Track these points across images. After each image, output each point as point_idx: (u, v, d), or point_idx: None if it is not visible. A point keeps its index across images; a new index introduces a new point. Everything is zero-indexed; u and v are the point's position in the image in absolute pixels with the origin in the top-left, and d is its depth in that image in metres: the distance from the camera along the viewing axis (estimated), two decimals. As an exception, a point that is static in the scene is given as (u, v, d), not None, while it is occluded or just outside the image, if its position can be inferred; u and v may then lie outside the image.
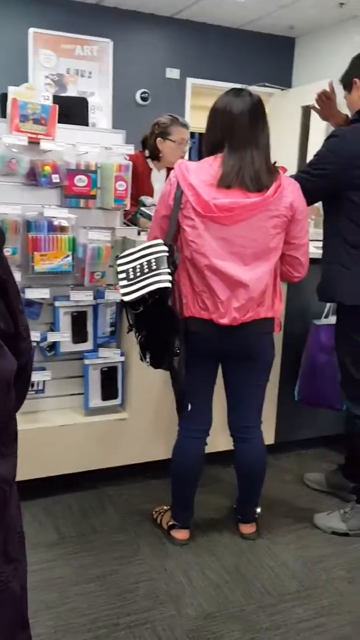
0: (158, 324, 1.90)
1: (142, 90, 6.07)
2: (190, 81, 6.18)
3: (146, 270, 1.85)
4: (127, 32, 5.97)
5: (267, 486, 2.73)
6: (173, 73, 6.12)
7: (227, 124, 1.90)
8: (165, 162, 3.24)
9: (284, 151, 6.19)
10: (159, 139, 3.17)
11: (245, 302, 1.94)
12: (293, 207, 1.95)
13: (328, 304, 2.60)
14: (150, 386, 2.58)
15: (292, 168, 6.08)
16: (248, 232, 1.89)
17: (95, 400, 2.55)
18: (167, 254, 1.88)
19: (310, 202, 2.15)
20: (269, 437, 2.95)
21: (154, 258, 1.87)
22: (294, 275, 2.11)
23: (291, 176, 2.17)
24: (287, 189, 1.93)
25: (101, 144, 2.40)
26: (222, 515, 2.47)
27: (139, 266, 1.88)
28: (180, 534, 2.28)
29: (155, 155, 3.24)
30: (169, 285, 1.82)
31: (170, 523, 2.30)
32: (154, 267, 1.85)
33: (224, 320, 1.95)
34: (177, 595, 2.01)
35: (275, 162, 1.95)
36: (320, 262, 2.35)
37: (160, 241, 1.92)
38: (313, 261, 2.80)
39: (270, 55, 6.39)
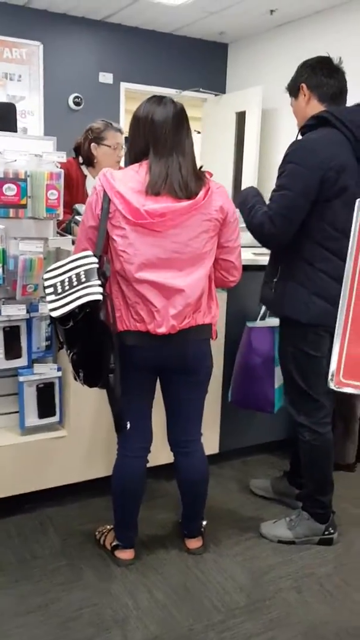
0: (90, 340, 1.82)
1: (75, 94, 5.96)
2: (123, 86, 6.12)
3: (75, 284, 1.77)
4: (58, 35, 5.85)
5: (213, 496, 2.70)
6: (106, 77, 6.05)
7: (152, 132, 1.85)
8: (100, 168, 3.15)
9: (220, 156, 6.22)
10: (93, 144, 3.09)
11: (182, 309, 1.90)
12: (223, 209, 1.92)
13: (264, 307, 2.58)
14: (89, 402, 2.49)
15: (228, 173, 6.16)
16: (181, 237, 1.85)
17: (32, 419, 2.44)
18: (96, 265, 1.81)
19: (297, 221, 2.08)
20: (212, 446, 2.92)
21: (84, 270, 1.79)
22: (229, 279, 2.08)
23: (271, 199, 2.11)
24: (216, 192, 1.91)
25: (31, 152, 2.30)
26: (167, 531, 2.41)
27: (67, 279, 1.80)
28: (125, 554, 2.21)
29: (90, 162, 3.16)
30: (99, 297, 1.75)
31: (114, 544, 2.22)
32: (84, 279, 1.77)
33: (162, 330, 1.90)
34: (123, 619, 1.93)
35: (201, 167, 1.92)
36: (270, 276, 2.29)
37: (89, 253, 1.85)
38: (252, 267, 2.83)
39: (203, 60, 6.40)
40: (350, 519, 2.56)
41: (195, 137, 7.44)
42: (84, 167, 3.20)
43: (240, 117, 5.96)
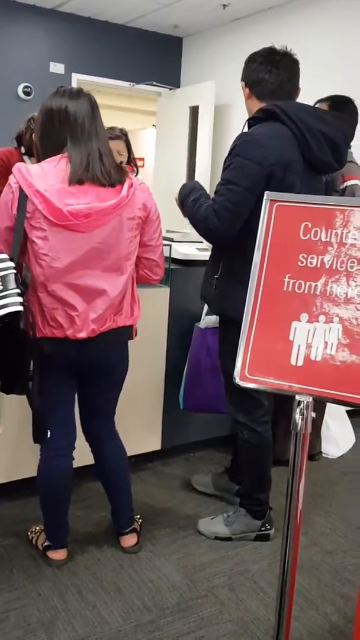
0: (8, 349, 1.73)
1: (25, 84, 5.82)
2: (75, 77, 6.01)
3: None
4: (7, 23, 5.70)
5: (154, 494, 2.69)
6: (57, 68, 5.93)
7: (68, 123, 1.78)
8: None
9: (174, 150, 6.18)
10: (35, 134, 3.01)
11: (103, 312, 1.85)
12: (146, 207, 1.89)
13: (205, 308, 2.56)
14: (19, 401, 2.42)
15: (182, 167, 6.13)
16: (106, 237, 1.80)
17: (-36, 417, 2.36)
18: (14, 271, 1.69)
19: (242, 216, 2.01)
20: (155, 443, 2.90)
21: (0, 277, 1.67)
22: (152, 278, 2.06)
23: (217, 192, 2.04)
24: (138, 189, 1.87)
25: None
26: (102, 529, 2.37)
27: None
28: (57, 555, 2.16)
29: (32, 152, 3.07)
30: (19, 309, 1.65)
31: (45, 544, 2.17)
32: (0, 287, 1.66)
33: (82, 334, 1.84)
34: (50, 621, 1.89)
35: (121, 162, 1.90)
36: (211, 272, 2.24)
37: (4, 256, 1.71)
38: (197, 263, 2.80)
39: (157, 54, 6.34)
40: (287, 514, 2.57)
41: (151, 130, 7.38)
42: (26, 158, 3.11)
43: (194, 112, 5.93)
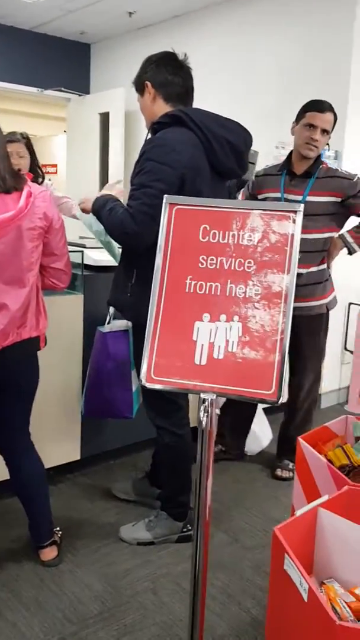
0: None
1: None
2: (-19, 82, 5.84)
3: None
4: None
5: (74, 505, 2.64)
6: None
7: None
8: None
9: (86, 157, 6.13)
10: None
11: (5, 327, 1.80)
12: (47, 216, 1.85)
13: (111, 311, 2.53)
14: None
15: (95, 174, 6.09)
16: (3, 249, 1.75)
17: None
18: None
19: (159, 219, 1.99)
20: (74, 453, 2.85)
21: None
22: (59, 286, 2.03)
23: (131, 197, 2.00)
24: (39, 197, 1.82)
25: None
26: (20, 545, 2.31)
27: None
28: None
29: None
30: None
31: None
32: None
33: None
34: (-33, 645, 1.82)
35: (19, 170, 1.86)
36: (125, 279, 2.20)
37: None
38: (106, 269, 2.79)
39: (66, 60, 6.27)
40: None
41: (63, 137, 7.28)
42: None
43: (105, 118, 5.90)
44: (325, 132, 2.68)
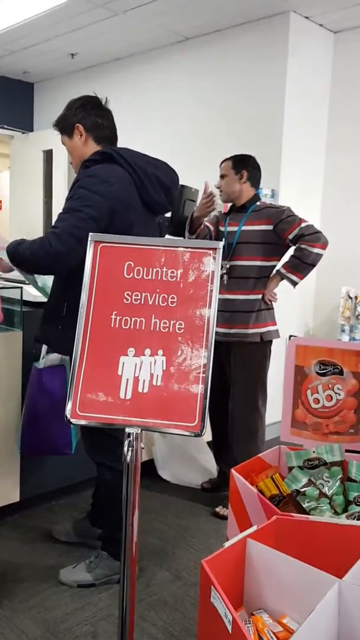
0: None
1: None
2: None
3: None
4: None
5: (13, 548, 2.57)
6: None
7: None
8: None
9: (30, 193, 6.14)
10: None
11: None
12: None
13: (45, 348, 2.51)
14: None
15: (39, 210, 6.09)
16: None
17: None
18: None
19: (85, 244, 1.94)
20: (12, 495, 2.78)
21: None
22: None
23: (59, 219, 2.01)
24: None
25: None
26: None
27: None
28: None
29: None
30: None
31: None
32: None
33: None
34: None
35: None
36: (56, 312, 2.20)
37: None
38: (37, 305, 2.77)
39: (9, 97, 6.32)
40: (151, 550, 2.57)
41: (6, 174, 7.28)
42: None
43: (48, 156, 5.95)
44: (223, 176, 3.00)
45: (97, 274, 1.36)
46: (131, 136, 3.85)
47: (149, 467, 3.29)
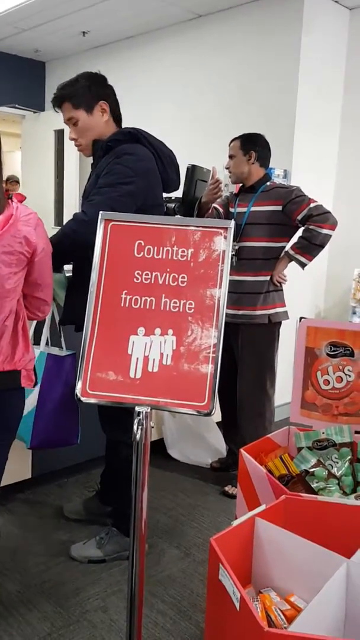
0: None
1: None
2: None
3: None
4: None
5: (25, 524, 2.61)
6: None
7: None
8: None
9: (41, 173, 6.13)
10: None
11: None
12: (30, 242, 1.63)
13: (45, 336, 2.49)
14: None
15: (50, 190, 6.08)
16: None
17: None
18: None
19: None
20: (25, 472, 2.81)
21: None
22: (38, 316, 1.85)
23: (98, 193, 1.99)
24: (22, 221, 1.63)
25: None
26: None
27: None
28: None
29: None
30: None
31: None
32: None
33: None
34: None
35: (7, 190, 1.69)
36: (83, 293, 2.17)
37: None
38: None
39: (20, 77, 6.27)
40: (161, 528, 2.60)
41: (17, 154, 7.26)
42: None
43: (60, 135, 5.92)
44: (232, 156, 2.97)
45: (107, 253, 1.36)
46: (143, 115, 3.82)
47: (159, 446, 3.32)
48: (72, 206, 5.67)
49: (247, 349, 2.94)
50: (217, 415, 3.22)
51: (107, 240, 1.37)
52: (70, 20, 5.08)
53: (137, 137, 2.17)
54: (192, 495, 2.96)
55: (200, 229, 1.34)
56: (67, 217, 5.85)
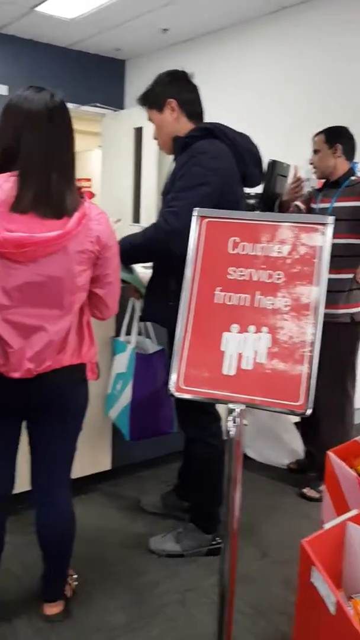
0: None
1: (-33, 106, 5.78)
2: (19, 99, 5.99)
3: None
4: None
5: (104, 514, 2.66)
6: (0, 89, 5.91)
7: (24, 127, 1.56)
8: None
9: (120, 171, 6.23)
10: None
11: (42, 350, 1.65)
12: (101, 241, 1.66)
13: (135, 330, 2.54)
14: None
15: (128, 187, 6.17)
16: (47, 269, 1.59)
17: None
18: None
19: None
20: (105, 463, 2.87)
21: None
22: (98, 316, 1.85)
23: (176, 198, 2.01)
24: (94, 219, 1.65)
25: None
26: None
27: None
28: None
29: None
30: None
31: None
32: None
33: (16, 374, 1.64)
34: (-3, 651, 1.84)
35: (81, 187, 1.71)
36: (164, 290, 2.19)
37: None
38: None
39: (101, 76, 6.41)
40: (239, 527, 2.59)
41: (97, 152, 7.41)
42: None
43: (138, 133, 6.00)
44: (316, 151, 2.91)
45: (202, 249, 1.36)
46: (222, 109, 3.81)
47: (234, 445, 3.31)
48: (150, 203, 5.74)
49: (327, 348, 2.84)
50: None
51: (202, 237, 1.37)
52: (151, 17, 5.14)
53: (214, 132, 2.15)
54: (269, 496, 2.93)
55: (297, 225, 1.31)
56: (144, 213, 5.93)
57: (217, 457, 2.32)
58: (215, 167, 2.06)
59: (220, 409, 2.46)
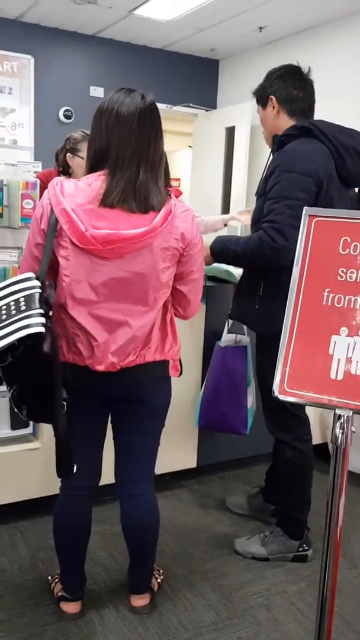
0: (32, 375, 1.56)
1: (65, 108, 5.99)
2: (115, 100, 6.14)
3: (13, 312, 1.50)
4: (49, 49, 5.89)
5: (189, 512, 2.68)
6: (97, 91, 6.07)
7: (115, 129, 1.59)
8: (75, 179, 3.15)
9: (210, 171, 6.25)
10: (68, 154, 3.09)
11: (125, 344, 1.66)
12: (185, 238, 1.66)
13: (227, 325, 2.54)
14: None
15: (218, 187, 6.18)
16: (132, 266, 1.61)
17: (4, 430, 2.41)
18: (38, 290, 1.55)
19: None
20: (190, 461, 2.89)
21: (23, 296, 1.53)
22: (180, 314, 1.84)
23: (272, 211, 1.99)
24: (179, 217, 1.65)
25: (6, 161, 2.31)
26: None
27: (4, 307, 1.52)
28: (70, 607, 1.98)
29: (66, 171, 3.15)
30: (41, 329, 1.46)
31: (60, 594, 2.01)
32: (23, 307, 1.50)
33: (100, 367, 1.66)
34: (88, 635, 1.90)
35: (167, 186, 1.72)
36: (252, 291, 2.20)
37: (30, 275, 1.60)
38: (228, 280, 2.81)
39: (194, 76, 6.45)
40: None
41: (187, 151, 7.48)
42: (62, 177, 3.19)
43: (230, 132, 5.99)
44: None
45: (310, 249, 1.33)
46: (322, 108, 3.72)
47: (321, 450, 3.23)
48: (239, 202, 5.72)
49: None
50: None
51: (311, 236, 1.34)
52: (248, 16, 5.11)
53: (312, 131, 2.08)
54: (358, 504, 2.84)
55: None
56: (233, 212, 5.91)
57: (304, 461, 2.28)
58: (308, 171, 2.00)
59: (310, 412, 2.41)
